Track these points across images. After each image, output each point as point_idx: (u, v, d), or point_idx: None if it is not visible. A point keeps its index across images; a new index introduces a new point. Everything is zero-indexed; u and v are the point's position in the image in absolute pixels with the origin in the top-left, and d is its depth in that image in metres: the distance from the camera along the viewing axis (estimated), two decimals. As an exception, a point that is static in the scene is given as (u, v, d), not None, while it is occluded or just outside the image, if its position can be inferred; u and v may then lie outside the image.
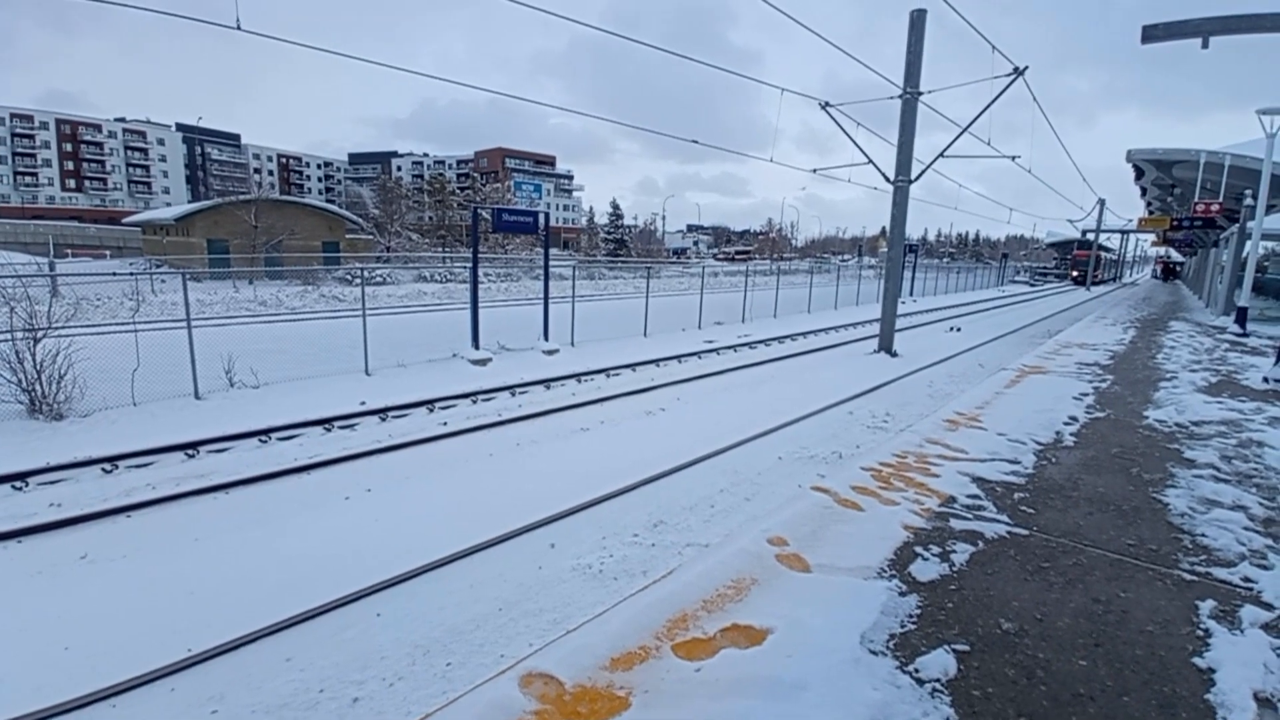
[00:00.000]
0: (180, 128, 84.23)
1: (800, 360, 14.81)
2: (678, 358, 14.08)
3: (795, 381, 12.23)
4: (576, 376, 11.82)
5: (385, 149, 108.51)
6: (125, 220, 49.80)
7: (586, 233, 72.40)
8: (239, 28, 7.31)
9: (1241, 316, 15.51)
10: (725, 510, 6.16)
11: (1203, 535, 3.85)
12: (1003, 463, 5.08)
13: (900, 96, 14.16)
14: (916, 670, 2.50)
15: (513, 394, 10.59)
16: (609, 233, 63.77)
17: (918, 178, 14.80)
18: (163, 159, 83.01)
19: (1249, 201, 17.20)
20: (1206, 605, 3.03)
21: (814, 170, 19.91)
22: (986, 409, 6.91)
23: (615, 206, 63.51)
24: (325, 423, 8.48)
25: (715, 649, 2.54)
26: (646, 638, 2.60)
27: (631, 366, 12.91)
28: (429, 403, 9.59)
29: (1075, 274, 61.54)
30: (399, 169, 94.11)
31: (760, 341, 16.76)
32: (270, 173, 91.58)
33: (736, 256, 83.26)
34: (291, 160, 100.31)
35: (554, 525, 5.77)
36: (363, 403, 9.34)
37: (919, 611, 2.92)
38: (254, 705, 3.53)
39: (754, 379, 12.59)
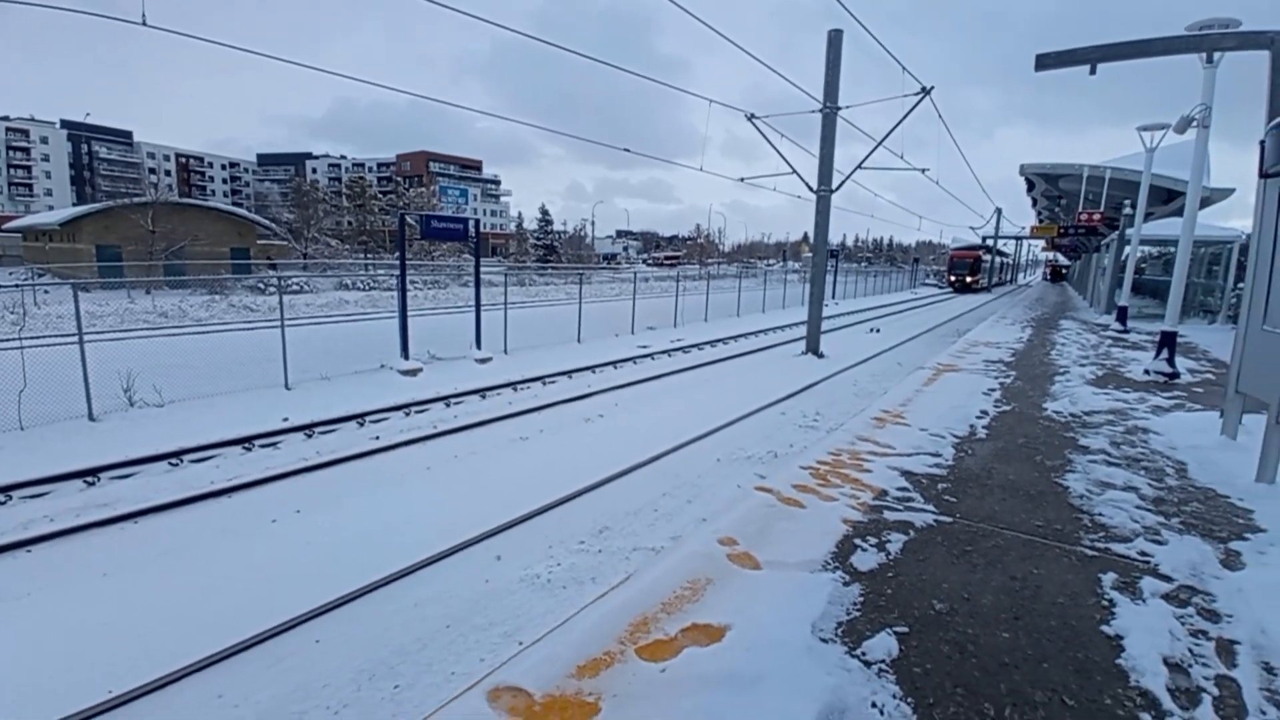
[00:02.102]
0: (65, 124, 76.90)
1: (732, 363, 15.22)
2: (613, 363, 14.15)
3: (728, 384, 12.57)
4: (512, 385, 11.67)
5: (298, 150, 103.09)
6: (4, 226, 44.96)
7: (516, 239, 71.44)
8: (144, 23, 6.81)
9: (1122, 315, 17.21)
10: (669, 514, 6.26)
11: (1100, 514, 4.28)
12: (926, 456, 5.44)
13: (821, 111, 14.87)
14: (864, 654, 2.67)
15: (447, 404, 10.33)
16: (539, 239, 63.22)
17: (838, 187, 15.58)
18: (45, 158, 75.46)
19: (1128, 210, 19.13)
20: (1108, 578, 3.38)
21: (741, 179, 20.55)
22: (909, 406, 7.36)
23: (544, 212, 63.12)
24: (244, 442, 7.99)
25: (678, 649, 2.61)
26: (610, 643, 2.64)
27: (567, 373, 12.88)
28: (358, 416, 9.21)
29: (953, 279, 52.40)
30: (314, 171, 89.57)
31: (693, 345, 17.10)
32: (168, 173, 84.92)
33: (666, 261, 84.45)
34: (192, 160, 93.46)
35: (499, 537, 5.69)
36: (285, 419, 8.86)
37: (862, 599, 3.11)
38: (184, 747, 3.31)
39: (689, 383, 12.84)
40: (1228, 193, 20.75)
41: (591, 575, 5.03)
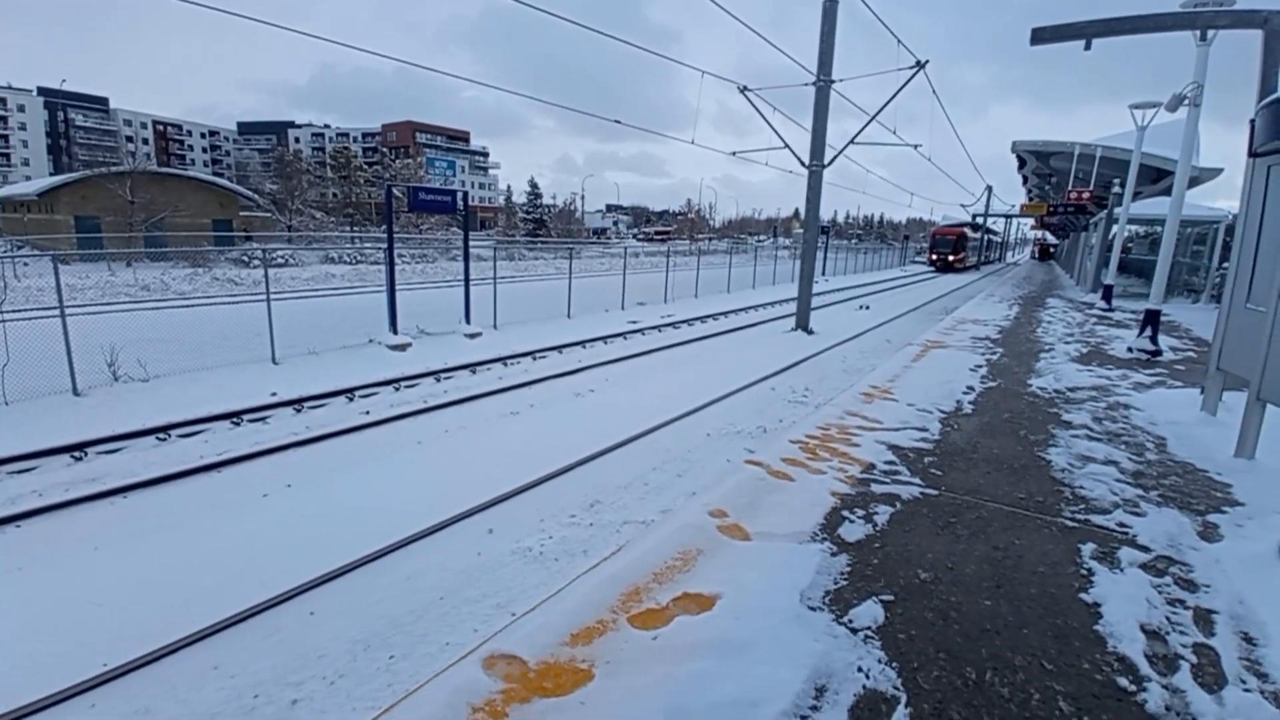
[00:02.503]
0: (42, 92, 74.43)
1: (722, 339, 15.25)
2: (604, 339, 14.14)
3: (719, 360, 12.61)
4: (502, 360, 11.64)
5: (280, 118, 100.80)
6: (-20, 197, 43.71)
7: (504, 212, 70.55)
8: None
9: (1108, 293, 17.39)
10: (659, 487, 6.33)
11: (1081, 487, 4.38)
12: (913, 430, 5.52)
13: (814, 84, 14.69)
14: (850, 621, 2.74)
15: (437, 379, 10.30)
16: (528, 212, 62.45)
17: (830, 163, 15.48)
18: (22, 127, 73.25)
19: (1117, 189, 19.20)
20: (1088, 548, 3.48)
21: (733, 153, 20.36)
22: (897, 382, 7.44)
23: (534, 185, 62.22)
24: (233, 416, 7.94)
25: (669, 618, 2.66)
26: (603, 612, 2.69)
27: (558, 349, 12.85)
28: (348, 391, 9.16)
29: (934, 257, 49.00)
30: (297, 141, 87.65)
31: (683, 321, 17.10)
32: (145, 141, 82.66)
33: (656, 236, 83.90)
34: (170, 128, 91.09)
35: (491, 510, 5.73)
36: (274, 394, 8.80)
37: (849, 569, 3.18)
38: (182, 718, 3.35)
39: (679, 358, 12.87)
40: (1216, 172, 20.86)
41: (583, 548, 5.10)
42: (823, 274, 34.91)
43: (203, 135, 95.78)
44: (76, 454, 6.75)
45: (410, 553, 5.01)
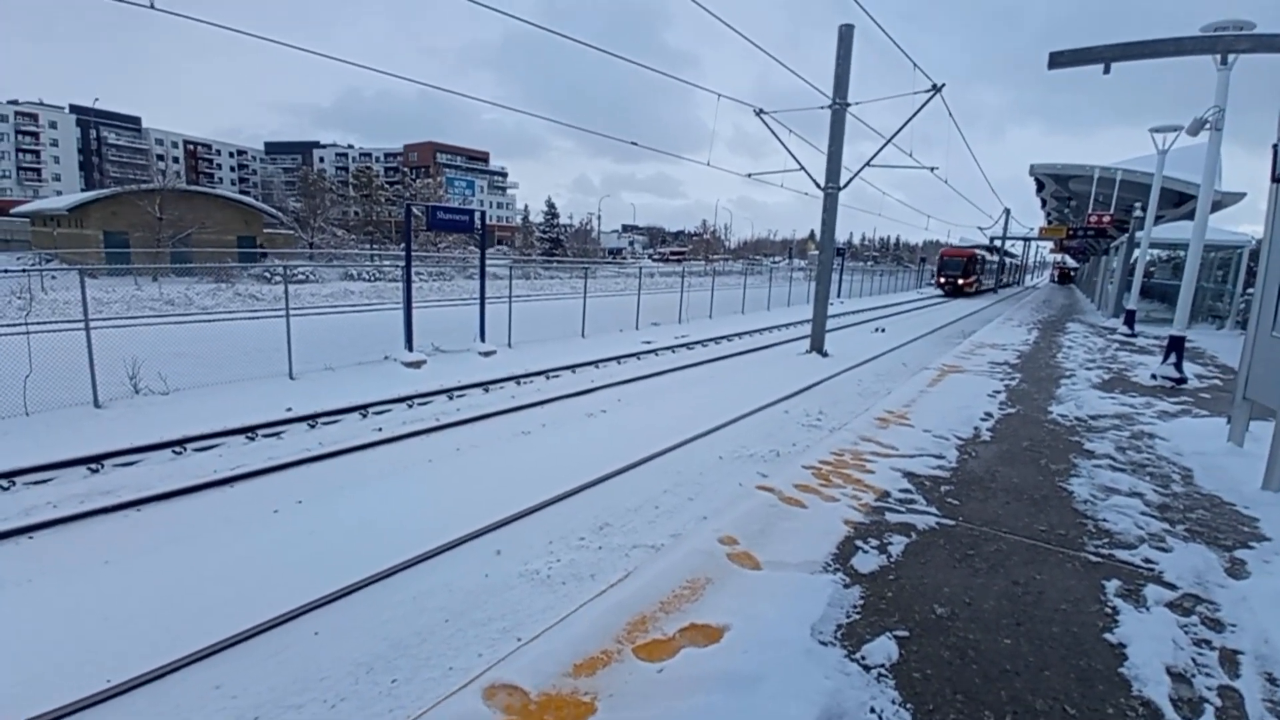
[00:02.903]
0: (74, 109, 77.07)
1: (736, 360, 15.18)
2: (617, 359, 14.13)
3: (732, 381, 12.53)
4: (515, 379, 11.67)
5: (305, 138, 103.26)
6: (12, 210, 45.13)
7: (521, 231, 71.43)
8: (152, 6, 6.80)
9: (1130, 318, 17.08)
10: (670, 511, 6.24)
11: (1104, 520, 4.24)
12: (929, 458, 5.41)
13: (830, 107, 14.76)
14: (863, 657, 2.65)
15: (450, 397, 10.33)
16: (544, 231, 63.14)
17: (846, 185, 15.48)
18: (54, 144, 75.69)
19: (1138, 213, 18.97)
20: (1112, 585, 3.35)
21: (748, 174, 20.47)
22: (913, 407, 7.32)
23: (550, 205, 62.98)
24: (247, 431, 8.01)
25: (675, 649, 2.59)
26: (608, 641, 2.62)
27: (571, 368, 12.86)
28: (362, 408, 9.22)
29: (942, 280, 46.00)
30: (321, 160, 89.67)
31: (697, 342, 17.05)
32: (176, 160, 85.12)
33: (671, 257, 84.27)
34: (200, 147, 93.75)
35: (499, 531, 5.68)
36: (289, 409, 8.88)
37: (862, 602, 3.09)
38: (182, 736, 3.32)
39: (692, 379, 12.81)
40: (1239, 197, 20.56)
41: (591, 572, 5.02)
42: (838, 296, 34.76)
43: (231, 155, 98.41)
44: (93, 466, 6.83)
45: (418, 572, 4.97)
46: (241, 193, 71.40)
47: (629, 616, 2.82)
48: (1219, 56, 9.25)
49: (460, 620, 4.37)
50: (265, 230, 40.25)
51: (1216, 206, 19.18)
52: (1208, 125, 10.04)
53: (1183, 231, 17.03)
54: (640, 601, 2.94)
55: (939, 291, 46.85)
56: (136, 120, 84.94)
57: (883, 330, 22.20)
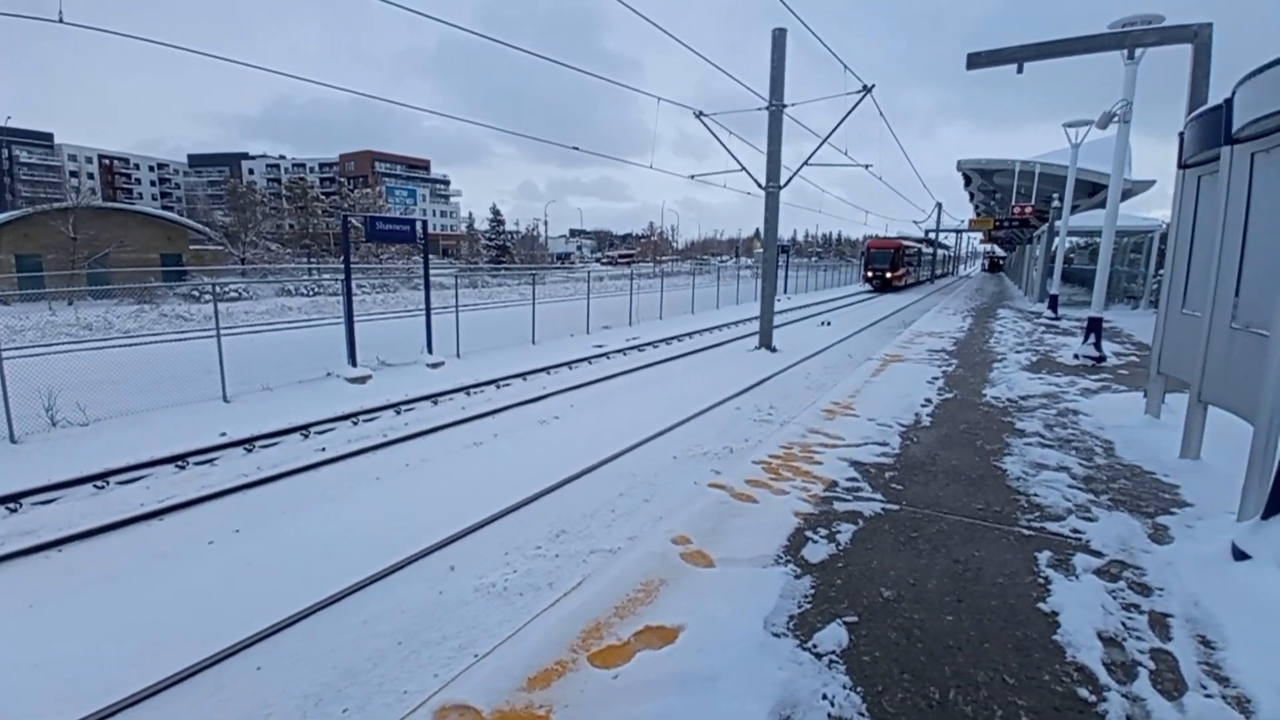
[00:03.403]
0: (-19, 130, 71.52)
1: (687, 360, 15.30)
2: (568, 364, 14.04)
3: (684, 381, 12.63)
4: (465, 389, 11.44)
5: (232, 149, 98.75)
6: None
7: (467, 240, 70.20)
8: (60, 20, 6.38)
9: (1054, 303, 18.06)
10: (626, 513, 6.24)
11: (1035, 495, 4.46)
12: (874, 446, 5.58)
13: (767, 108, 15.07)
14: (815, 646, 2.70)
15: (398, 412, 10.05)
16: (490, 239, 62.23)
17: (786, 184, 15.82)
18: (-36, 165, 70.00)
19: (1056, 203, 20.08)
20: (1044, 556, 3.53)
21: (691, 176, 20.69)
22: (858, 397, 7.54)
23: (496, 212, 62.14)
24: (177, 460, 7.57)
25: (631, 653, 2.58)
26: (563, 651, 2.59)
27: (522, 376, 12.71)
28: (303, 428, 8.86)
29: (870, 274, 42.54)
30: (251, 172, 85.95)
31: (648, 344, 17.11)
32: (91, 176, 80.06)
33: (620, 260, 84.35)
34: (117, 162, 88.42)
35: (453, 546, 5.56)
36: (223, 434, 8.45)
37: (813, 591, 3.15)
38: (112, 790, 3.10)
39: (645, 380, 12.84)
40: (1149, 184, 22.01)
41: (549, 580, 4.97)
42: (784, 292, 35.49)
43: (151, 168, 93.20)
44: (11, 505, 6.34)
45: (367, 595, 4.81)
46: (164, 208, 67.81)
47: (584, 624, 2.80)
48: (1126, 51, 9.86)
49: (414, 641, 4.25)
50: (191, 247, 38.25)
51: (1127, 195, 20.49)
52: (1116, 118, 10.70)
53: (1098, 219, 18.11)
54: (595, 608, 2.92)
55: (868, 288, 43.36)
56: (49, 136, 79.60)
57: (829, 323, 22.80)
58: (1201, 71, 8.96)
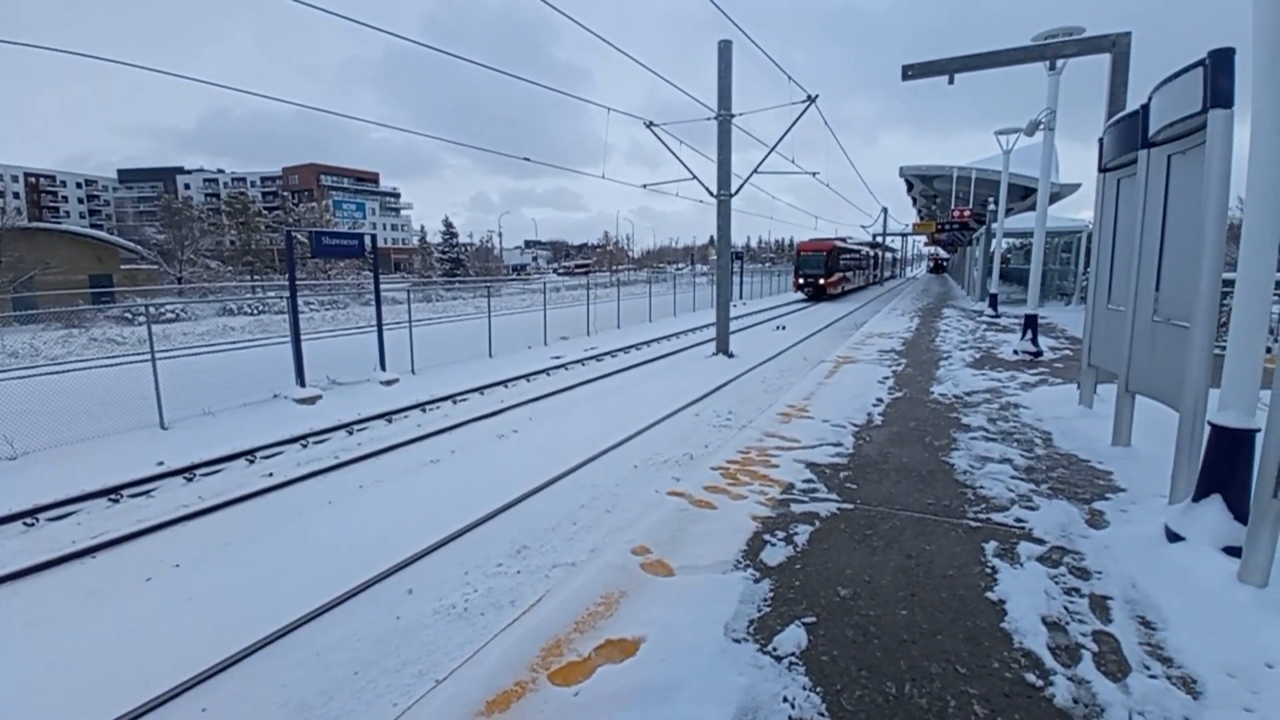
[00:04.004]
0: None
1: (646, 368, 15.35)
2: (526, 376, 13.90)
3: (644, 389, 12.65)
4: (421, 406, 11.20)
5: (166, 164, 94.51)
6: None
7: (419, 253, 68.83)
8: None
9: (994, 301, 18.86)
10: (588, 525, 6.19)
11: (981, 487, 4.62)
12: (829, 447, 5.69)
13: (716, 118, 15.32)
14: (774, 649, 2.72)
15: (350, 432, 9.75)
16: (444, 252, 61.20)
17: (737, 192, 16.09)
18: (-120, 188, 64.81)
19: (992, 207, 20.99)
20: (990, 546, 3.65)
21: (645, 185, 20.81)
22: (812, 399, 7.69)
23: (449, 225, 61.15)
24: (111, 493, 7.16)
25: (591, 669, 2.56)
26: (522, 671, 2.55)
27: (479, 390, 12.51)
28: (248, 453, 8.50)
29: (801, 281, 37.75)
30: (187, 187, 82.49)
31: (607, 353, 17.10)
32: (16, 195, 75.48)
33: (576, 270, 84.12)
34: (43, 179, 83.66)
35: (410, 568, 5.41)
36: (160, 463, 8.04)
37: (772, 594, 3.18)
38: None
39: (604, 390, 12.82)
40: (1075, 188, 23.26)
41: (510, 598, 4.89)
42: (739, 298, 36.00)
43: (79, 185, 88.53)
44: (-83, 552, 5.87)
45: (320, 625, 4.63)
46: (92, 226, 64.45)
47: (543, 642, 2.75)
48: (1049, 62, 10.42)
49: (371, 670, 4.11)
50: (123, 266, 36.40)
51: (1055, 197, 21.62)
52: (1042, 126, 11.28)
53: (1030, 221, 19.02)
54: (554, 625, 2.88)
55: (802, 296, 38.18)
56: (-36, 153, 74.70)
57: (784, 328, 23.23)
58: (1120, 79, 9.53)
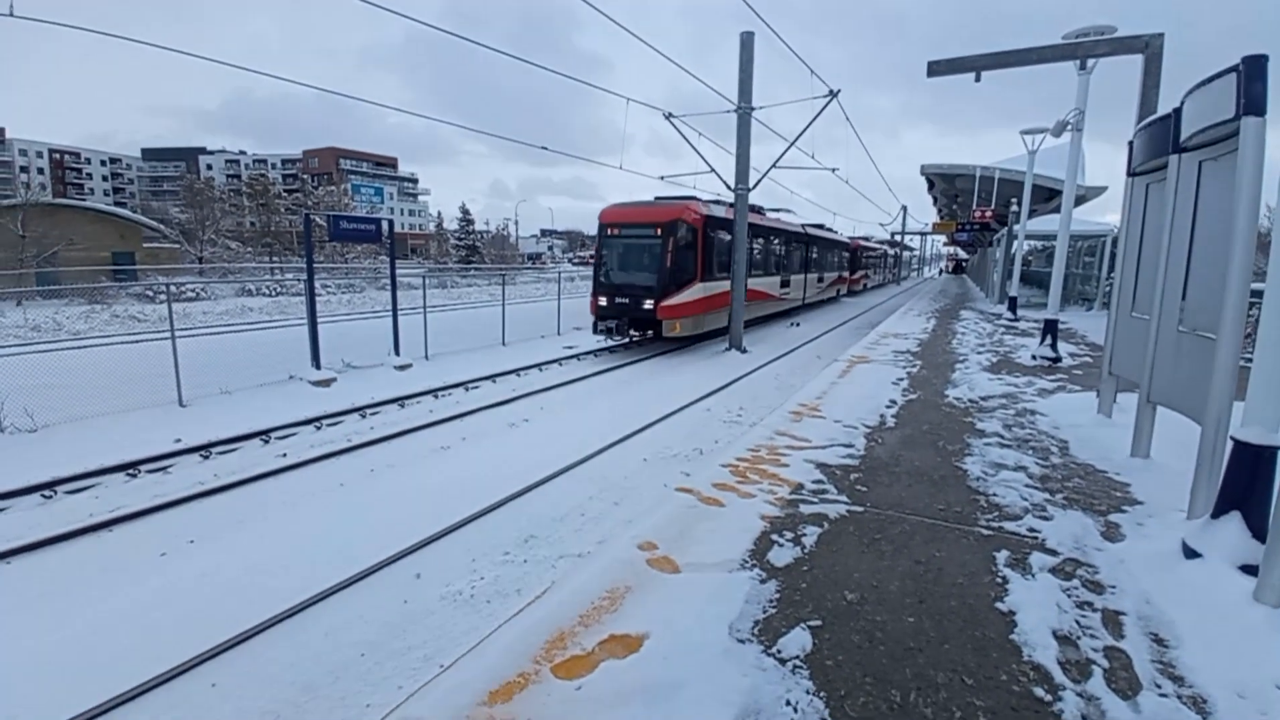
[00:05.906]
0: (-75, 124, 68.02)
1: (658, 361, 15.33)
2: (539, 366, 13.94)
3: (655, 382, 12.64)
4: (433, 392, 11.27)
5: (189, 144, 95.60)
6: None
7: (436, 239, 69.20)
8: (12, 14, 6.14)
9: (1013, 304, 18.58)
10: (595, 518, 6.21)
11: (994, 495, 4.56)
12: (840, 447, 5.65)
13: (735, 111, 15.18)
14: (779, 651, 2.71)
15: (363, 415, 9.85)
16: (460, 239, 61.45)
17: (754, 186, 15.97)
18: (-92, 163, 66.37)
19: (1015, 208, 20.64)
20: (1002, 555, 3.61)
21: (662, 177, 20.67)
22: (825, 398, 7.63)
23: (465, 211, 61.37)
24: (129, 468, 7.30)
25: (595, 663, 2.56)
26: (525, 663, 2.56)
27: (491, 378, 12.57)
28: (263, 433, 8.61)
29: (604, 301, 20.38)
30: (209, 167, 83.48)
31: (619, 345, 17.09)
32: (41, 171, 76.78)
33: (591, 260, 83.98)
34: (68, 156, 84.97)
35: (419, 553, 5.46)
36: (178, 440, 8.18)
37: (778, 596, 3.17)
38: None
39: (616, 382, 12.82)
40: (1101, 190, 22.81)
41: (516, 587, 4.92)
42: (755, 292, 35.69)
43: (104, 163, 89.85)
44: (-59, 520, 6.02)
45: (329, 606, 4.69)
46: (116, 204, 65.38)
47: (548, 634, 2.76)
48: (1079, 61, 10.18)
49: (378, 652, 4.16)
50: (145, 244, 36.94)
51: (1080, 200, 21.21)
52: (1070, 126, 11.05)
53: (1054, 223, 18.68)
54: (559, 617, 2.89)
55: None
56: None
57: (798, 324, 23.08)
58: (1152, 81, 9.29)
